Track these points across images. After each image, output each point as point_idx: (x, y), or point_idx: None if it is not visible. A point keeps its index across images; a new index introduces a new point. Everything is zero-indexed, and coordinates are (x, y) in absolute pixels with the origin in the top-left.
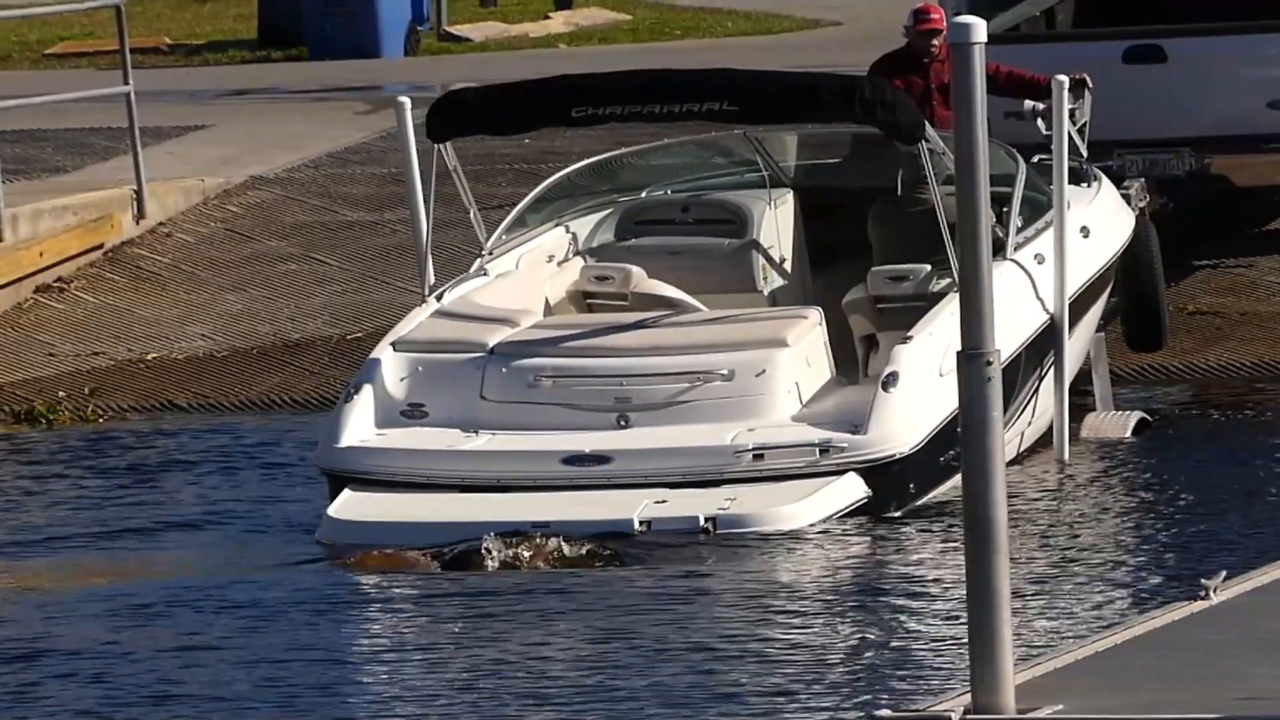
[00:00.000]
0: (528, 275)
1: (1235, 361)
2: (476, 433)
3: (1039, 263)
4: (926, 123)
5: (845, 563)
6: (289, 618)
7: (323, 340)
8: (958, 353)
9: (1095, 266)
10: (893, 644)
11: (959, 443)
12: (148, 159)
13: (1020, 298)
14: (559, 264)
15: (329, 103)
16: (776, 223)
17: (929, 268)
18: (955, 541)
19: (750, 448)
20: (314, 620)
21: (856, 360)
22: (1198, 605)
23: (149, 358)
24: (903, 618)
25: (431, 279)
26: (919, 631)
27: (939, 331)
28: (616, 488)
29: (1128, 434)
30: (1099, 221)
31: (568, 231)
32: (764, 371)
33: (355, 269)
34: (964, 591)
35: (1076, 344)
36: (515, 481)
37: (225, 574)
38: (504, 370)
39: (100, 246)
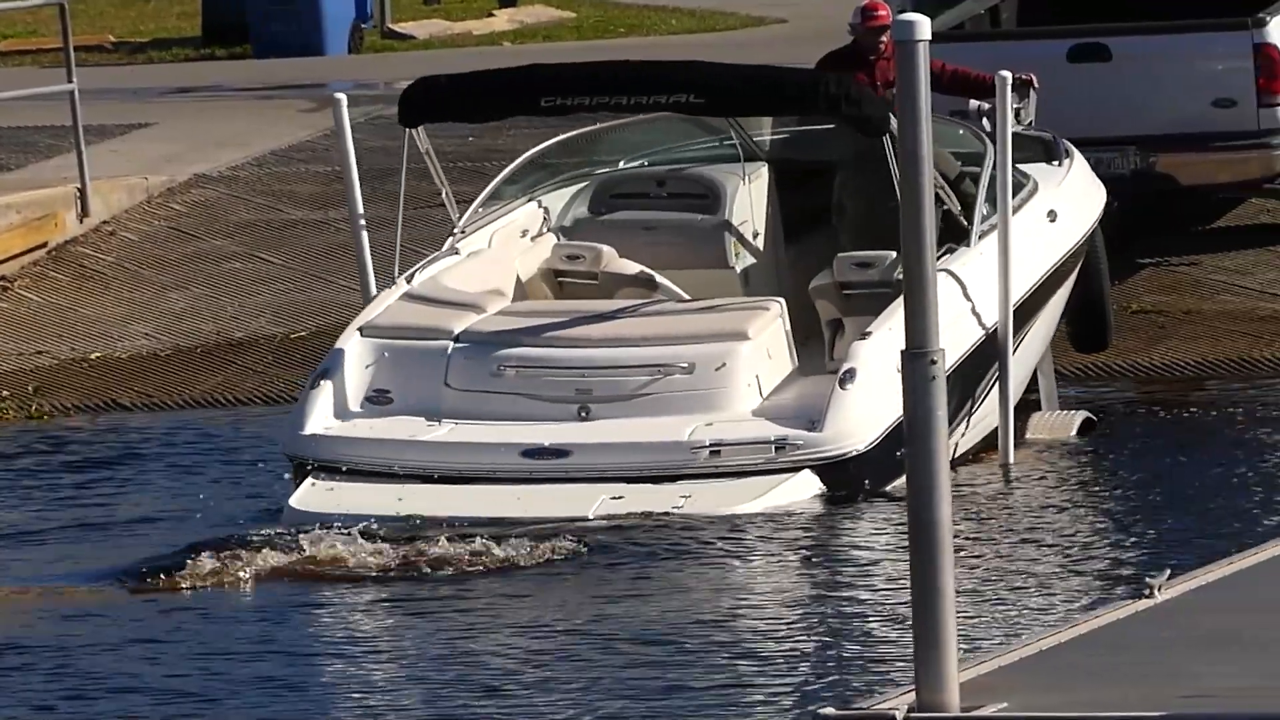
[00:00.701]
0: (500, 253)
1: (1178, 360)
2: (439, 421)
3: None
4: (892, 115)
5: (792, 558)
6: (246, 613)
7: (266, 339)
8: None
9: (1062, 250)
10: (838, 641)
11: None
12: (91, 157)
13: (982, 287)
14: (532, 239)
15: (273, 100)
16: (750, 197)
17: (894, 254)
18: (905, 536)
19: (707, 444)
20: (272, 616)
21: (823, 341)
22: (1142, 603)
23: (92, 356)
24: (849, 614)
25: (372, 288)
26: (865, 628)
27: (898, 326)
28: (574, 481)
29: (1072, 434)
30: (1068, 202)
31: (540, 206)
32: (724, 365)
33: (299, 267)
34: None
35: (1044, 325)
36: (475, 473)
37: (178, 568)
38: (468, 359)
39: (44, 245)
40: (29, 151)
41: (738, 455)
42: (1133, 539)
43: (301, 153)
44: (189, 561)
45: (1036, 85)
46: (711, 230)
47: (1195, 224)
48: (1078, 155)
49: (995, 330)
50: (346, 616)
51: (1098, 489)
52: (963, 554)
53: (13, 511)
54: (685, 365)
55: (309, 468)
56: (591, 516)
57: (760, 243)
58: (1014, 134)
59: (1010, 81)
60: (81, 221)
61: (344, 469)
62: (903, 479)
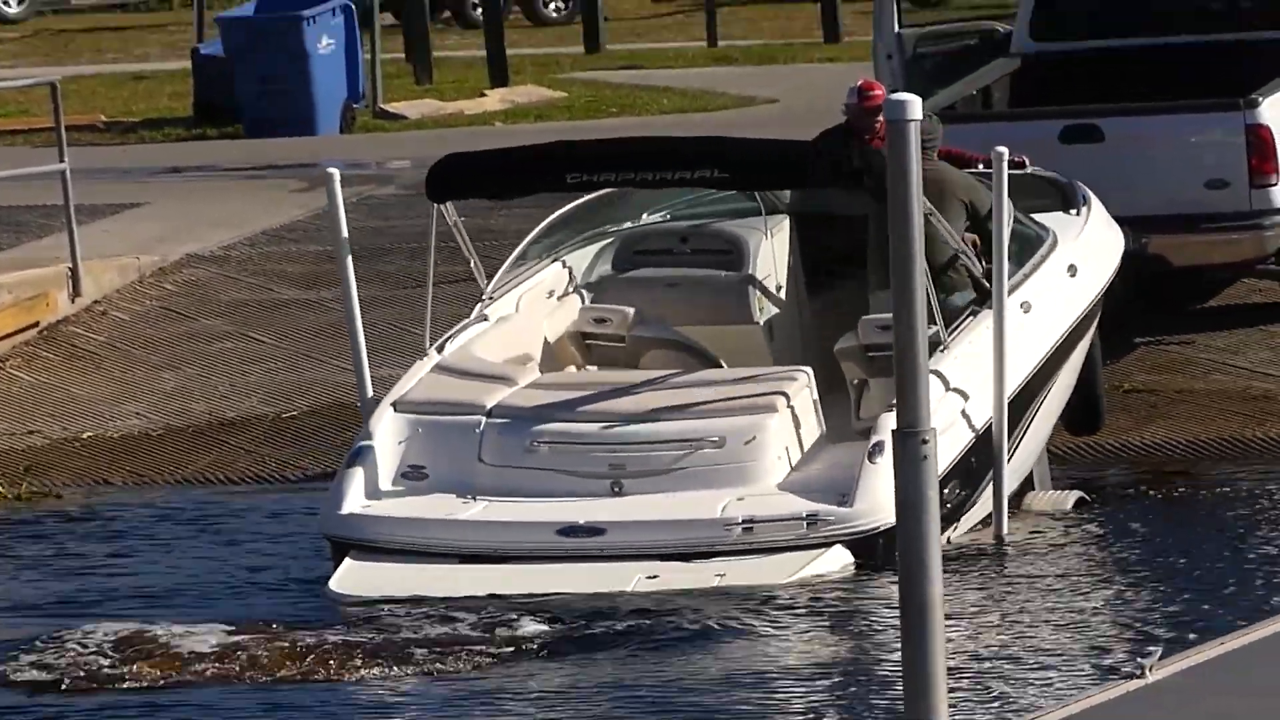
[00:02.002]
0: (527, 319)
1: (1171, 440)
2: (474, 498)
3: (1024, 311)
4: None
5: (801, 636)
6: (283, 692)
7: (258, 418)
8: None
9: (1083, 304)
10: (837, 713)
11: (943, 505)
12: (83, 237)
13: (1010, 348)
14: (559, 299)
15: (265, 180)
16: (773, 251)
17: None
18: None
19: (740, 520)
20: (311, 697)
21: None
22: (1134, 684)
23: (84, 436)
24: (849, 694)
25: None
26: (863, 707)
27: None
28: (610, 560)
29: (1066, 511)
30: (1087, 254)
31: (565, 266)
32: (754, 439)
33: (291, 347)
34: None
35: (1066, 378)
36: (512, 552)
37: (215, 650)
38: (502, 434)
39: (36, 325)
40: (21, 231)
41: (770, 531)
42: (1124, 619)
43: (293, 232)
44: (221, 642)
45: (1029, 167)
46: (736, 286)
47: (1188, 303)
48: (1095, 201)
49: (1020, 391)
50: (385, 697)
51: (1090, 568)
52: (954, 632)
53: (10, 590)
54: (715, 439)
55: (348, 546)
56: (628, 594)
57: (784, 295)
58: (1030, 177)
59: (1006, 155)
60: (73, 301)
61: (381, 548)
62: None
